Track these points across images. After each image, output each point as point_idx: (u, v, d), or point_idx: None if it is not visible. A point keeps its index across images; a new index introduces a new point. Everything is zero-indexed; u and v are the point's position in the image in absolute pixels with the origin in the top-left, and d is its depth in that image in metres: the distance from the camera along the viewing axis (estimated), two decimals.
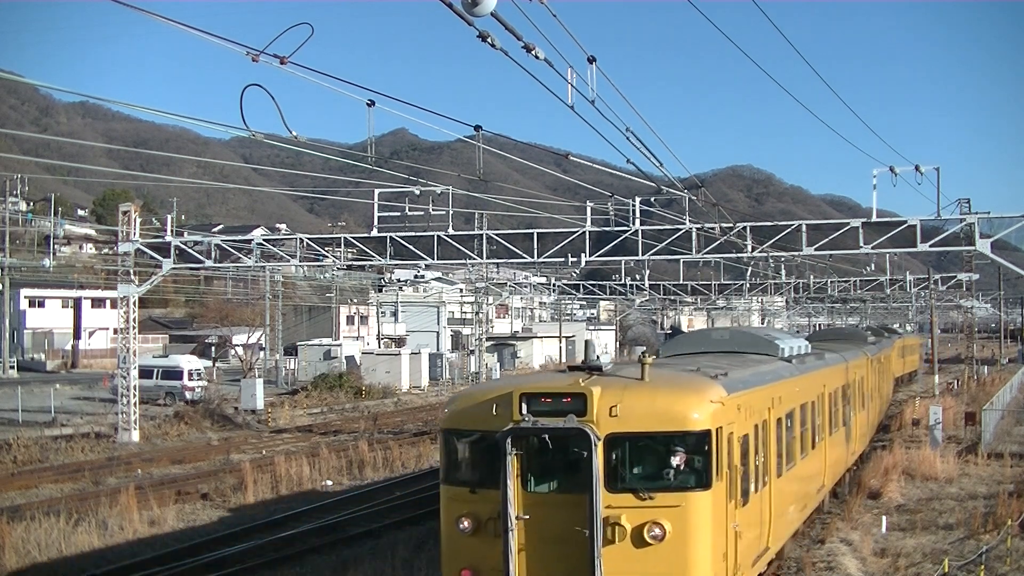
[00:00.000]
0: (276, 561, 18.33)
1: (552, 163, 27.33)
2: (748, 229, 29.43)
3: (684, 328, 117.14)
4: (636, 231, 30.25)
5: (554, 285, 68.51)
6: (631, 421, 10.07)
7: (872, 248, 28.30)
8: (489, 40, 8.31)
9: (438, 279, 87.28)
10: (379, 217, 31.98)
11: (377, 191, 32.07)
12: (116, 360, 40.05)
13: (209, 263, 35.93)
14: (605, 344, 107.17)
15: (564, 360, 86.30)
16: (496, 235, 32.11)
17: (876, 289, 54.73)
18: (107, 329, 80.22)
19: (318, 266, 52.04)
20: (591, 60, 11.18)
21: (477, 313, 62.65)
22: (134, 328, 36.48)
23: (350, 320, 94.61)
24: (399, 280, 78.32)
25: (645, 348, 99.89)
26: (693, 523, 10.17)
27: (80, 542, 19.42)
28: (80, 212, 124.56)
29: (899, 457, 29.55)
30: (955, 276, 52.78)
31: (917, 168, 24.38)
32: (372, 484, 27.44)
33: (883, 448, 32.67)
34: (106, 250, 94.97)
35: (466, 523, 10.41)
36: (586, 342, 11.55)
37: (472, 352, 65.66)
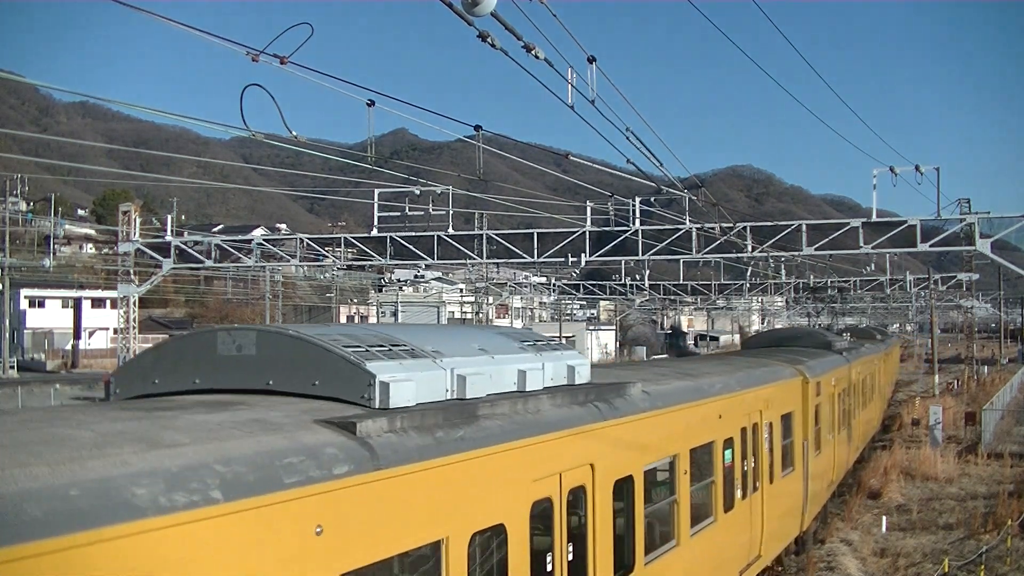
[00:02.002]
0: None
1: (552, 163, 27.29)
2: (748, 229, 29.42)
3: (684, 328, 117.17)
4: (636, 231, 30.26)
5: (554, 285, 68.51)
6: None
7: (872, 248, 28.28)
8: (489, 40, 8.30)
9: (438, 279, 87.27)
10: (379, 217, 31.98)
11: (377, 191, 32.08)
12: (116, 360, 40.06)
13: (209, 263, 35.95)
14: (605, 344, 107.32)
15: None
16: (496, 235, 32.11)
17: (876, 289, 54.71)
18: (107, 329, 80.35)
19: (318, 266, 52.03)
20: (591, 60, 11.17)
21: (477, 313, 62.64)
22: (134, 328, 36.50)
23: (350, 320, 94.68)
24: (399, 280, 78.24)
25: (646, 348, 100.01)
26: None
27: None
28: (80, 212, 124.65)
29: (899, 457, 29.62)
30: (955, 276, 52.77)
31: (917, 168, 24.37)
32: None
33: (883, 448, 32.74)
34: (106, 250, 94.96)
35: None
36: None
37: None
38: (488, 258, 32.85)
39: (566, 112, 12.72)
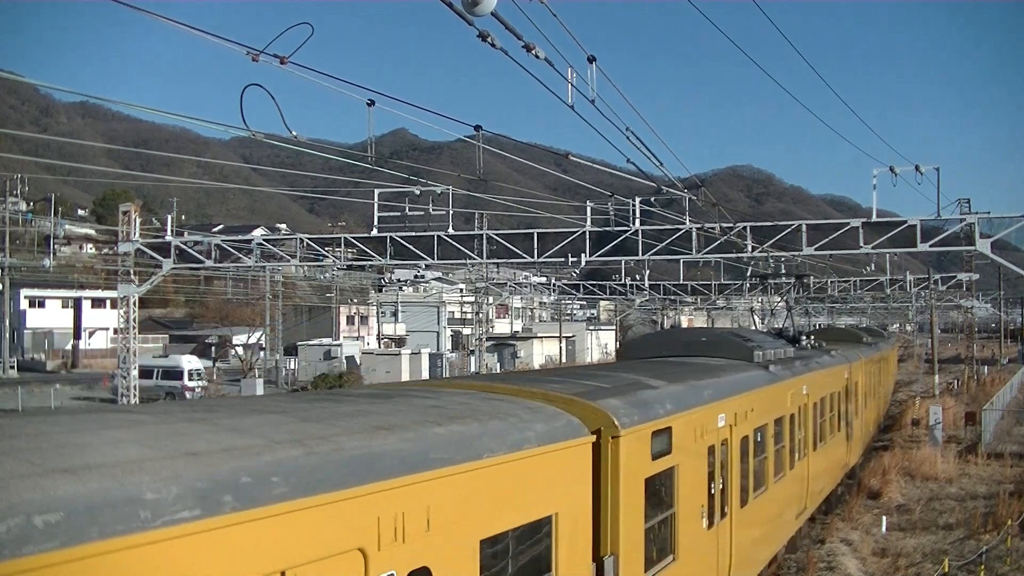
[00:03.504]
0: None
1: (552, 163, 27.29)
2: (748, 229, 29.41)
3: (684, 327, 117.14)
4: (636, 231, 30.25)
5: (554, 285, 68.46)
6: None
7: (872, 248, 28.25)
8: (489, 40, 8.30)
9: (438, 279, 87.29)
10: (379, 217, 31.95)
11: (377, 191, 32.04)
12: (116, 360, 40.04)
13: (209, 263, 35.90)
14: (605, 344, 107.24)
15: (564, 360, 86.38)
16: (496, 235, 32.08)
17: (876, 289, 54.69)
18: (107, 329, 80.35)
19: (318, 266, 52.01)
20: (591, 60, 11.17)
21: (477, 313, 62.62)
22: (134, 328, 36.47)
23: (350, 320, 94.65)
24: (399, 280, 78.24)
25: None
26: None
27: None
28: (80, 212, 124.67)
29: (899, 457, 29.63)
30: (955, 276, 52.76)
31: (917, 168, 24.35)
32: None
33: (883, 448, 32.74)
34: (106, 250, 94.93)
35: None
36: None
37: (472, 352, 65.67)
38: (488, 258, 32.80)
39: (566, 112, 12.71)
